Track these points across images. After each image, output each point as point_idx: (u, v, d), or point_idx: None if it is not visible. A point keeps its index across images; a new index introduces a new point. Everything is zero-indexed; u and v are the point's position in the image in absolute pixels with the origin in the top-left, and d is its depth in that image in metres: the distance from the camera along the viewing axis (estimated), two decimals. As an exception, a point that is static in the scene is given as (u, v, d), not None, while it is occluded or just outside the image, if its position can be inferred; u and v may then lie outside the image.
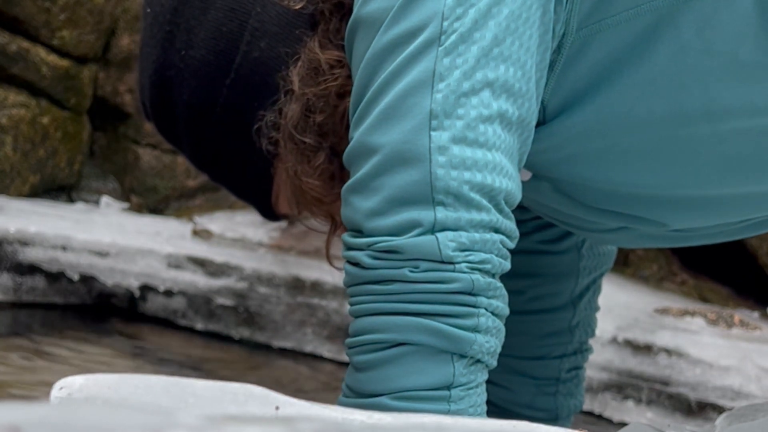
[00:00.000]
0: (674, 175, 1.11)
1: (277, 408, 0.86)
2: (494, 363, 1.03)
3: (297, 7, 1.17)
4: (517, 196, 1.03)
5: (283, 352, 2.04)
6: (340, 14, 1.14)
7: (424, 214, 0.98)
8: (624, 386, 1.95)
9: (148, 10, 1.25)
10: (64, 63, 2.60)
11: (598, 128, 1.09)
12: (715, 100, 1.05)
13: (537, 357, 1.42)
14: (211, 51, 1.20)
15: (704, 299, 2.78)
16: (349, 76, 1.12)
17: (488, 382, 1.05)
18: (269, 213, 1.31)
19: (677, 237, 1.23)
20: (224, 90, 1.20)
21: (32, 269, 2.02)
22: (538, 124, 1.09)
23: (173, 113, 1.24)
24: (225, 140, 1.22)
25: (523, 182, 1.14)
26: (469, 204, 0.99)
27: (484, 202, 0.99)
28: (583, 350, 1.44)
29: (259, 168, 1.23)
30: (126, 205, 2.76)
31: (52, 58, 2.57)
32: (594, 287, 1.43)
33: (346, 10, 1.13)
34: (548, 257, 1.39)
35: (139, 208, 2.85)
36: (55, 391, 0.87)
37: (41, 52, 2.55)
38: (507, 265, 1.03)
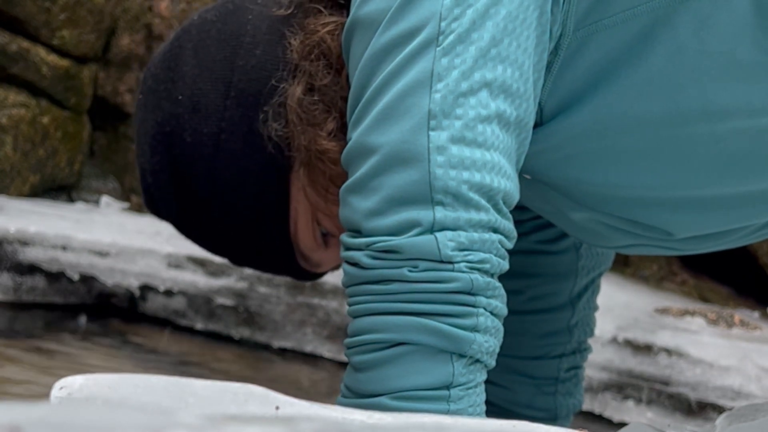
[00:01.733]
0: (672, 176, 1.11)
1: (277, 408, 0.86)
2: (493, 363, 1.03)
3: (287, 12, 1.18)
4: (515, 196, 1.03)
5: (283, 352, 2.04)
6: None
7: (423, 214, 0.98)
8: (624, 386, 1.95)
9: (144, 87, 1.27)
10: (64, 63, 2.60)
11: (596, 129, 1.09)
12: (712, 100, 1.05)
13: (536, 357, 1.42)
14: (207, 80, 1.21)
15: (704, 299, 2.78)
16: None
17: (487, 381, 1.05)
18: (300, 272, 1.29)
19: (680, 246, 1.23)
20: (226, 112, 1.20)
21: (32, 269, 2.02)
22: (536, 126, 1.09)
23: (177, 172, 1.23)
24: (237, 180, 1.21)
25: (527, 182, 1.14)
26: (467, 204, 0.99)
27: (483, 201, 0.99)
28: (582, 350, 1.44)
29: (276, 211, 1.22)
30: (126, 204, 2.76)
31: (52, 58, 2.57)
32: (593, 287, 1.43)
33: None
34: (547, 257, 1.39)
35: (139, 208, 2.85)
36: (55, 391, 0.87)
37: (41, 52, 2.55)
38: (505, 265, 1.03)
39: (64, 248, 2.05)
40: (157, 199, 1.27)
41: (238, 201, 1.21)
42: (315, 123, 1.15)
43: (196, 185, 1.22)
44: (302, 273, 1.30)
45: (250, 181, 1.20)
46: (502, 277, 1.05)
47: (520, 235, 1.23)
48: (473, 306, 0.99)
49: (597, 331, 1.52)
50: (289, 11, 1.18)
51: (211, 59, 1.21)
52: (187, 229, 1.29)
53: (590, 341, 1.47)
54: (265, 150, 1.19)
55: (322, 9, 1.15)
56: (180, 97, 1.22)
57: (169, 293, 2.07)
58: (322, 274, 1.32)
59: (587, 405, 1.93)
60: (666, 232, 1.17)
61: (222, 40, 1.21)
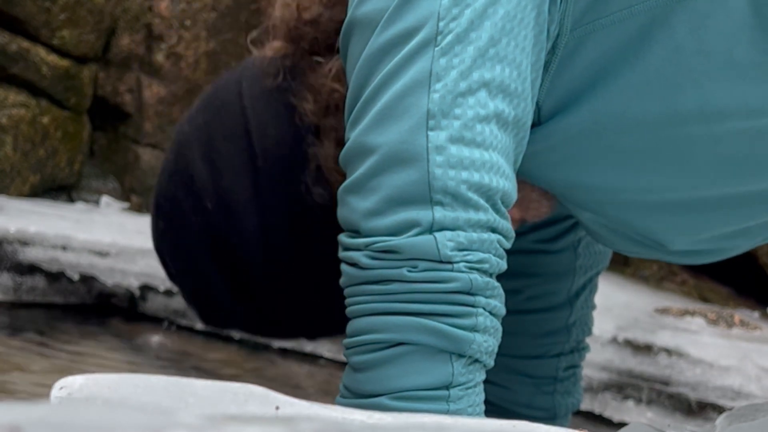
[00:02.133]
0: (669, 177, 1.11)
1: (277, 408, 0.86)
2: (492, 362, 1.03)
3: (281, 81, 1.17)
4: (513, 196, 1.03)
5: (283, 352, 2.04)
6: (316, 46, 1.15)
7: (422, 214, 0.98)
8: (624, 386, 1.95)
9: (161, 213, 1.24)
10: (64, 63, 2.60)
11: (593, 129, 1.09)
12: (710, 100, 1.05)
13: (535, 356, 1.42)
14: (230, 179, 1.19)
15: (704, 299, 2.78)
16: None
17: (486, 381, 1.05)
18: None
19: (678, 259, 1.23)
20: (261, 200, 1.18)
21: (32, 269, 2.02)
22: (533, 125, 1.09)
23: (233, 277, 1.21)
24: (295, 263, 1.19)
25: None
26: (466, 204, 0.99)
27: (482, 201, 0.99)
28: (580, 348, 1.44)
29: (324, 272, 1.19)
30: (126, 204, 2.76)
31: (52, 58, 2.57)
32: (590, 286, 1.43)
33: (318, 45, 1.13)
34: (545, 256, 1.39)
35: (139, 208, 2.85)
36: (55, 391, 0.87)
37: (41, 52, 2.55)
38: (504, 264, 1.03)
39: (64, 248, 2.05)
40: (220, 309, 1.25)
41: (301, 283, 1.19)
42: None
43: (257, 283, 1.21)
44: None
45: (308, 258, 1.18)
46: (501, 277, 1.05)
47: (518, 234, 1.23)
48: (472, 306, 0.99)
49: (597, 331, 1.52)
50: (281, 78, 1.17)
51: (226, 158, 1.19)
52: (257, 328, 1.27)
53: (590, 341, 1.47)
54: (314, 221, 1.17)
55: (316, 59, 1.14)
56: (209, 206, 1.19)
57: (169, 293, 2.07)
58: None
59: (587, 405, 1.93)
60: (659, 243, 1.17)
61: (228, 136, 1.19)
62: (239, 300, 1.23)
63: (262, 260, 1.19)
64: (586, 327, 1.44)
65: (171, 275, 1.28)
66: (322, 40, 1.14)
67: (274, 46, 1.18)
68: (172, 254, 1.25)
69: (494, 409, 1.35)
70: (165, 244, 1.26)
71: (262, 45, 1.21)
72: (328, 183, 1.15)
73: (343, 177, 1.09)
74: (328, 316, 1.23)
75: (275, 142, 1.17)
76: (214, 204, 1.19)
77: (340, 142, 1.12)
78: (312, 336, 1.33)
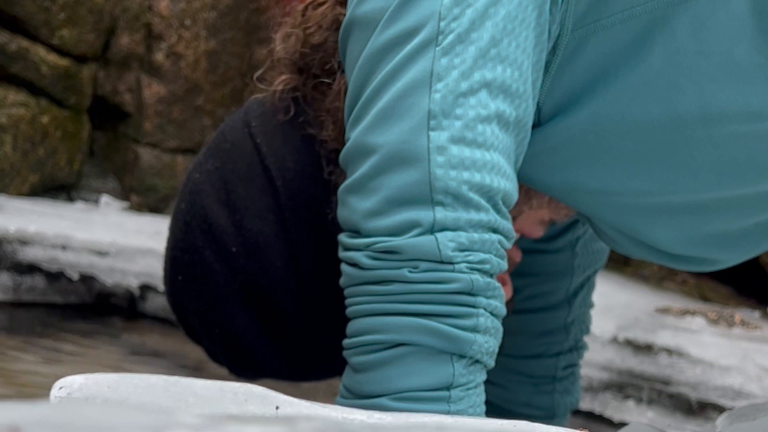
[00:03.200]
0: (669, 180, 1.11)
1: (277, 407, 0.86)
2: (492, 363, 1.03)
3: (293, 114, 1.16)
4: (514, 196, 1.03)
5: (283, 351, 2.04)
6: (323, 71, 1.14)
7: (423, 214, 0.98)
8: (624, 386, 1.95)
9: (179, 266, 1.20)
10: (64, 62, 2.60)
11: (594, 131, 1.08)
12: (710, 102, 1.05)
13: (534, 355, 1.42)
14: (253, 219, 1.16)
15: (705, 299, 2.78)
16: None
17: (485, 381, 1.05)
18: None
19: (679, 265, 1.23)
20: (290, 236, 1.16)
21: (32, 268, 2.02)
22: (534, 126, 1.09)
23: (269, 321, 1.18)
24: (328, 296, 1.15)
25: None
26: (468, 204, 0.98)
27: (483, 202, 0.99)
28: (579, 347, 1.44)
29: None
30: (126, 204, 2.76)
31: (52, 57, 2.57)
32: (588, 284, 1.43)
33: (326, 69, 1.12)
34: (543, 256, 1.39)
35: (139, 207, 2.85)
36: (55, 391, 0.87)
37: (41, 51, 2.55)
38: (504, 265, 1.03)
39: (63, 248, 2.05)
40: (254, 358, 1.22)
41: (338, 313, 1.13)
42: None
43: (292, 322, 1.19)
44: None
45: (341, 291, 1.14)
46: (500, 277, 1.05)
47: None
48: (473, 306, 0.99)
49: (598, 331, 1.52)
50: (294, 110, 1.16)
51: (246, 198, 1.17)
52: (297, 372, 1.24)
53: (591, 341, 1.47)
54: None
55: (324, 81, 1.13)
56: (234, 250, 1.17)
57: (168, 293, 2.07)
58: None
59: (588, 405, 1.93)
60: (659, 247, 1.17)
61: (245, 177, 1.17)
62: (275, 343, 1.20)
63: (295, 297, 1.17)
64: (585, 326, 1.44)
65: (192, 330, 1.25)
66: (328, 62, 1.13)
67: (282, 80, 1.17)
68: (196, 308, 1.21)
69: (492, 408, 1.34)
70: (186, 298, 1.22)
71: (269, 82, 1.19)
72: None
73: None
74: None
75: (296, 175, 1.15)
76: (239, 247, 1.17)
77: None
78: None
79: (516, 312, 1.36)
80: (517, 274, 1.35)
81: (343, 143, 1.07)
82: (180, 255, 1.21)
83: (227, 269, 1.18)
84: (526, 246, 1.37)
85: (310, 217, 1.16)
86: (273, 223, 1.16)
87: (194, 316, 1.22)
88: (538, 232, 1.24)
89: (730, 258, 1.22)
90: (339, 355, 1.14)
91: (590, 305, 1.45)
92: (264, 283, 1.17)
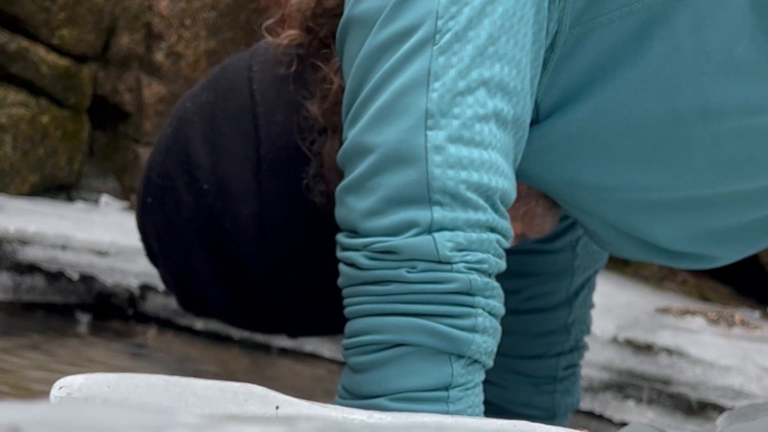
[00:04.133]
0: (668, 176, 1.11)
1: (277, 407, 0.86)
2: (491, 363, 1.03)
3: (292, 70, 1.16)
4: (512, 195, 1.03)
5: (283, 351, 2.04)
6: (329, 39, 1.13)
7: (421, 214, 0.98)
8: (625, 386, 1.95)
9: (151, 188, 1.21)
10: (64, 62, 2.60)
11: (592, 128, 1.08)
12: (709, 98, 1.05)
13: (534, 356, 1.42)
14: (230, 162, 1.17)
15: (705, 298, 2.78)
16: None
17: (485, 381, 1.05)
18: None
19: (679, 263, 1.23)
20: (262, 187, 1.16)
21: (32, 268, 2.02)
22: (532, 123, 1.08)
23: (223, 263, 1.19)
24: (289, 254, 1.17)
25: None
26: (465, 203, 0.98)
27: (481, 201, 0.99)
28: (579, 347, 1.44)
29: (335, 271, 1.16)
30: (126, 204, 2.76)
31: (52, 57, 2.57)
32: (589, 285, 1.43)
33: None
34: (543, 256, 1.39)
35: (138, 208, 2.84)
36: (55, 391, 0.87)
37: (41, 51, 2.54)
38: (503, 264, 1.03)
39: (63, 248, 2.04)
40: (202, 296, 1.23)
41: (294, 272, 1.17)
42: None
43: (246, 270, 1.19)
44: None
45: (303, 248, 1.17)
46: (499, 277, 1.05)
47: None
48: (472, 306, 0.99)
49: (598, 331, 1.52)
50: (293, 68, 1.16)
51: (227, 140, 1.17)
52: (240, 317, 1.25)
53: (591, 341, 1.47)
54: (312, 214, 1.15)
55: (328, 53, 1.13)
56: (205, 187, 1.17)
57: (168, 293, 2.07)
58: None
59: (588, 405, 1.93)
60: (657, 244, 1.17)
61: (233, 118, 1.18)
62: (226, 287, 1.21)
63: (254, 249, 1.18)
64: (585, 326, 1.44)
65: (151, 254, 1.26)
66: (335, 31, 1.13)
67: (288, 35, 1.17)
68: (157, 232, 1.23)
69: (493, 408, 1.35)
70: (151, 221, 1.24)
71: (276, 33, 1.19)
72: (328, 182, 1.14)
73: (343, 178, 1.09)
74: (313, 316, 1.23)
75: (282, 130, 1.16)
76: (211, 186, 1.17)
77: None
78: (293, 334, 1.31)
79: (516, 312, 1.36)
80: (517, 274, 1.35)
81: (328, 118, 1.08)
82: (154, 178, 1.22)
83: (194, 204, 1.18)
84: (526, 246, 1.37)
85: (285, 176, 1.16)
86: (248, 171, 1.17)
87: (155, 241, 1.23)
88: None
89: (729, 254, 1.22)
90: (286, 314, 1.16)
91: (591, 305, 1.45)
92: (227, 226, 1.17)
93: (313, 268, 1.18)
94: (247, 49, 1.23)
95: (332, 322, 1.25)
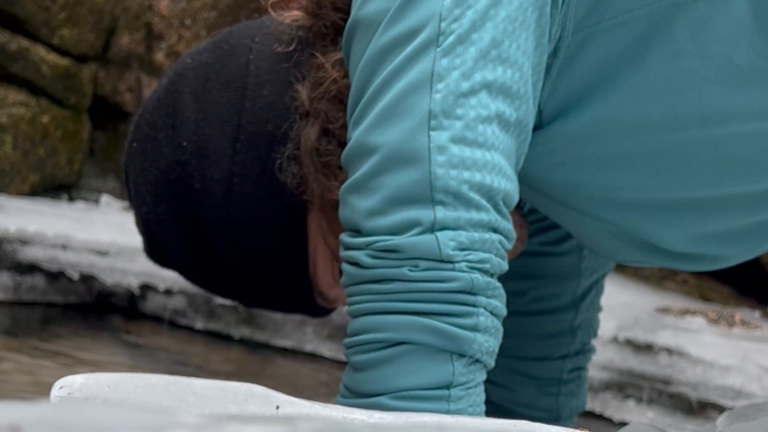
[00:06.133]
0: (669, 179, 1.11)
1: (277, 407, 0.86)
2: (492, 363, 1.03)
3: (290, 49, 1.16)
4: (515, 197, 1.03)
5: (283, 351, 2.04)
6: (331, 30, 1.13)
7: (424, 214, 0.98)
8: (625, 385, 1.95)
9: (138, 134, 1.22)
10: (64, 62, 2.60)
11: (594, 133, 1.09)
12: (710, 104, 1.05)
13: (539, 358, 1.41)
14: (212, 125, 1.17)
15: (705, 298, 2.78)
16: None
17: (489, 382, 1.05)
18: (314, 309, 1.27)
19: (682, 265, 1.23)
20: (237, 156, 1.17)
21: (32, 268, 2.02)
22: (535, 128, 1.09)
23: (187, 221, 1.20)
24: (252, 225, 1.17)
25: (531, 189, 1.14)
26: (468, 203, 0.99)
27: (483, 201, 0.99)
28: (586, 351, 1.44)
29: (294, 252, 1.19)
30: (126, 203, 2.75)
31: (52, 57, 2.57)
32: (596, 288, 1.43)
33: (334, 22, 1.12)
34: (550, 259, 1.39)
35: (139, 207, 2.84)
36: (55, 391, 0.87)
37: (41, 51, 2.54)
38: (505, 265, 1.03)
39: (63, 247, 2.05)
40: (164, 248, 1.24)
41: (254, 245, 1.18)
42: (329, 172, 1.12)
43: (209, 232, 1.19)
44: (316, 310, 1.28)
45: (266, 224, 1.17)
46: (505, 278, 1.05)
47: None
48: (473, 306, 0.99)
49: (598, 331, 1.52)
50: (292, 48, 1.16)
51: (215, 102, 1.18)
52: (197, 276, 1.25)
53: (592, 341, 1.47)
54: (280, 192, 1.16)
55: (328, 43, 1.13)
56: (184, 144, 1.18)
57: (168, 292, 2.07)
58: (333, 309, 1.30)
59: (588, 404, 1.93)
60: (658, 245, 1.17)
61: (224, 83, 1.18)
62: (187, 245, 1.22)
63: (218, 213, 1.18)
64: (592, 329, 1.44)
65: (129, 196, 1.28)
66: (340, 25, 1.13)
67: (293, 15, 1.17)
68: (135, 178, 1.24)
69: (497, 409, 1.35)
70: (132, 164, 1.24)
71: (281, 10, 1.19)
72: (301, 166, 1.14)
73: (316, 167, 1.11)
74: (265, 290, 1.23)
75: (266, 105, 1.16)
76: (190, 144, 1.18)
77: (326, 132, 1.12)
78: (247, 303, 1.31)
79: (521, 314, 1.36)
80: (523, 276, 1.35)
81: (313, 104, 1.09)
82: (142, 125, 1.23)
83: (171, 158, 1.19)
84: (533, 248, 1.37)
85: (261, 150, 1.16)
86: (226, 138, 1.17)
87: (132, 185, 1.24)
88: None
89: (732, 256, 1.22)
90: (241, 282, 1.18)
91: (598, 309, 1.45)
92: (197, 186, 1.18)
93: (270, 246, 1.19)
94: (257, 19, 1.24)
95: (284, 304, 1.27)
